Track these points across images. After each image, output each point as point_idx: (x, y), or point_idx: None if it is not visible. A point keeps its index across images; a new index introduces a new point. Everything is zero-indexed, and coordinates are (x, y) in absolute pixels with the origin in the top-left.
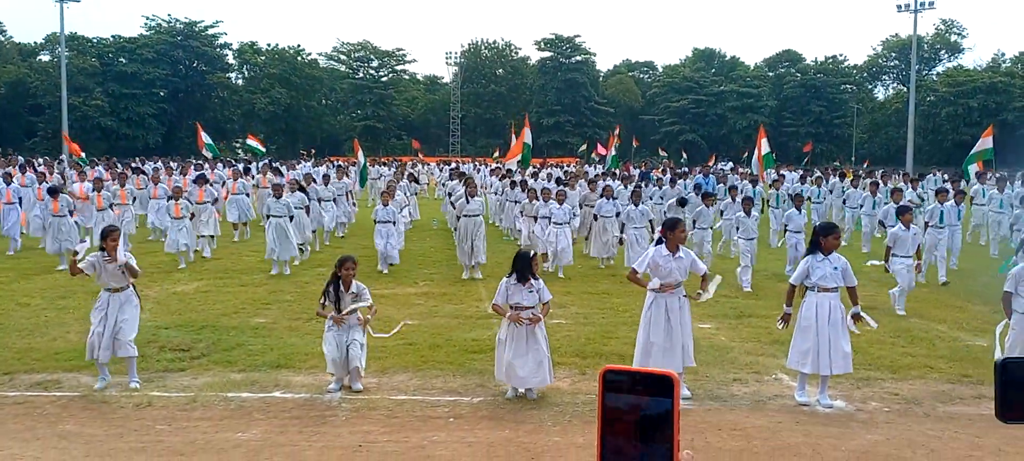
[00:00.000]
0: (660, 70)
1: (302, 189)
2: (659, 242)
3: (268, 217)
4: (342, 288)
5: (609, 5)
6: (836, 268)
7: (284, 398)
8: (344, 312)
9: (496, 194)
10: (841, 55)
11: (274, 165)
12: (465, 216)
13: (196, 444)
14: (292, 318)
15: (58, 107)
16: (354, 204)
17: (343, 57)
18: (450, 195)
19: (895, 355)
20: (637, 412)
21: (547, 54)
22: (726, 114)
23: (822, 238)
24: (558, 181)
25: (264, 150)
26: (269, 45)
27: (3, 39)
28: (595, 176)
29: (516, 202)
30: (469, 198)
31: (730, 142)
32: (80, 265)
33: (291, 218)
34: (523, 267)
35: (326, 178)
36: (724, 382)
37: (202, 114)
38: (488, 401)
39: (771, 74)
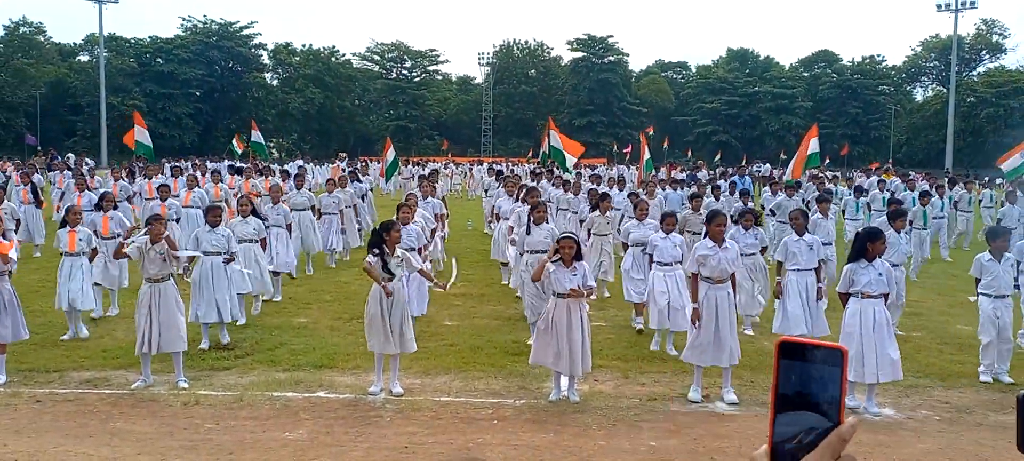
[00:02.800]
0: (693, 70)
1: (255, 213)
2: (704, 234)
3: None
4: (387, 253)
5: (642, 5)
6: (880, 274)
7: (329, 398)
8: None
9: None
10: (879, 56)
11: (235, 165)
12: (529, 252)
13: (244, 443)
14: (333, 318)
15: (97, 107)
16: (370, 218)
17: (376, 57)
18: (491, 195)
19: (944, 363)
20: (809, 378)
21: (579, 54)
22: (760, 115)
23: (869, 244)
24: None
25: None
26: (304, 46)
27: (43, 40)
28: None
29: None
30: (533, 225)
31: (763, 144)
32: (126, 248)
33: (229, 259)
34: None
35: (331, 184)
36: (768, 387)
37: (237, 114)
38: (531, 404)
39: (806, 75)
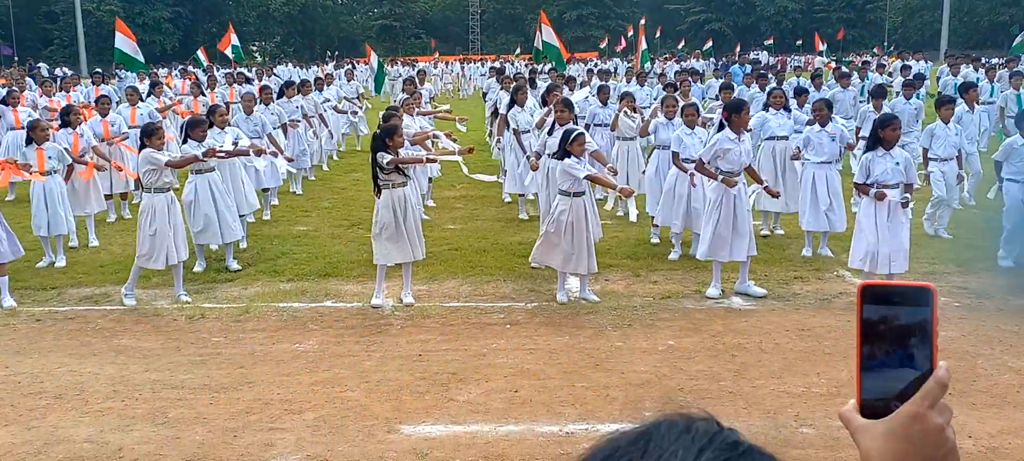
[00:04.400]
0: None
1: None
2: (721, 127)
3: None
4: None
5: None
6: (898, 163)
7: (336, 307)
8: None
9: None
10: None
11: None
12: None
13: (255, 355)
14: (333, 225)
15: (73, 14)
16: (356, 114)
17: None
18: (496, 103)
19: (958, 248)
20: (895, 324)
21: None
22: (754, 1)
23: (881, 130)
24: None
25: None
26: None
27: None
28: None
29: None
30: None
31: (759, 30)
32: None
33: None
34: (571, 144)
35: (290, 87)
36: (785, 280)
37: (218, 17)
38: (543, 307)
39: None
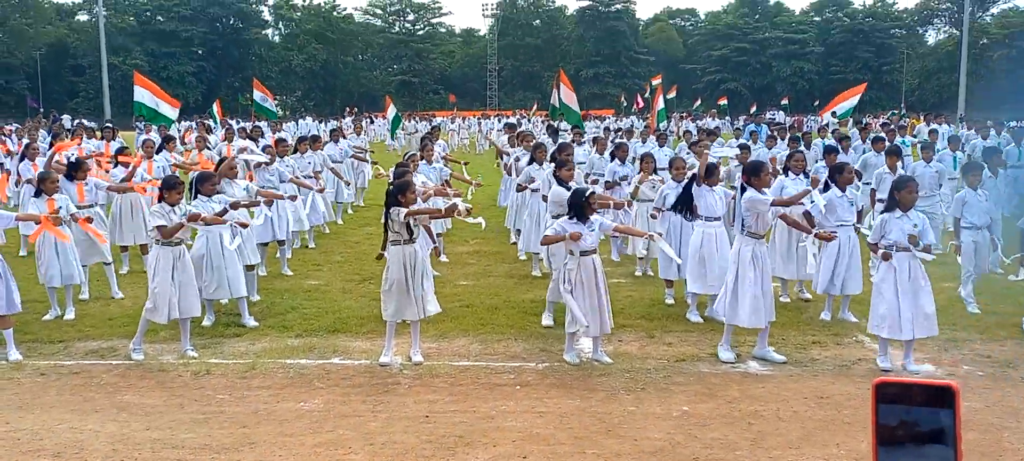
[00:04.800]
0: (702, 17)
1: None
2: (743, 189)
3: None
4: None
5: None
6: (916, 225)
7: (344, 364)
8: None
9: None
10: None
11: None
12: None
13: (259, 414)
14: (345, 279)
15: (98, 68)
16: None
17: (379, 11)
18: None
19: (981, 313)
20: (915, 429)
21: (586, 3)
22: (771, 62)
23: (897, 192)
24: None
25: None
26: (304, 1)
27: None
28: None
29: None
30: (561, 185)
31: (774, 91)
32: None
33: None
34: (581, 204)
35: (303, 142)
36: (803, 345)
37: (240, 72)
38: (554, 367)
39: (817, 19)
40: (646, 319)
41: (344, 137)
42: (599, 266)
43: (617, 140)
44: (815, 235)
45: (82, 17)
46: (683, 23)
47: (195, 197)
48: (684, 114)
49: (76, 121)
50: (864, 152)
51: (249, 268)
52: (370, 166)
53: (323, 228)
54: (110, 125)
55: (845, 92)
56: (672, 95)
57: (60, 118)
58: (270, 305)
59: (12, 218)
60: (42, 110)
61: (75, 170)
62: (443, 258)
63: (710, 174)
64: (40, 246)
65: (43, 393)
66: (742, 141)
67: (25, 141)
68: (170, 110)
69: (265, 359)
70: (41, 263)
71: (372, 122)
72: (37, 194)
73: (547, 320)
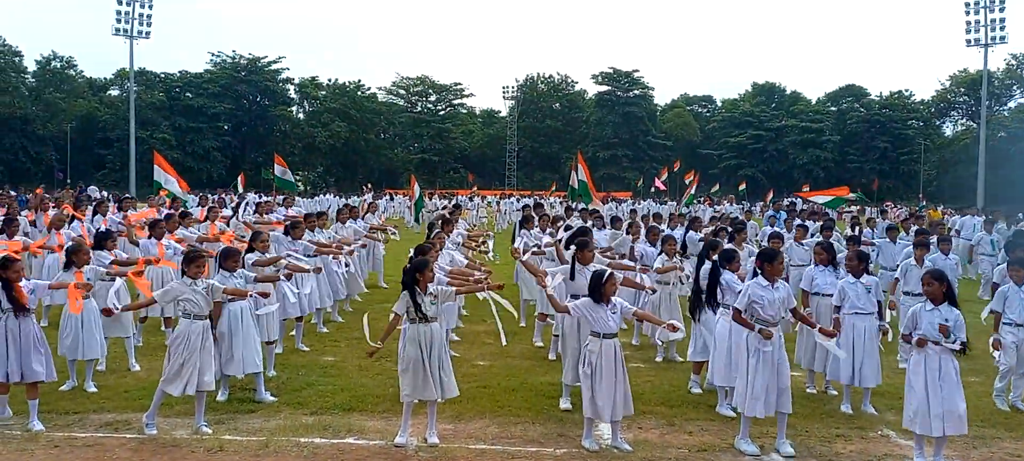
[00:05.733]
0: (719, 104)
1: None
2: (754, 274)
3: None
4: (420, 294)
5: (668, 39)
6: (948, 319)
7: (357, 444)
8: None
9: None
10: (907, 90)
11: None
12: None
13: None
14: (361, 357)
15: (126, 141)
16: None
17: (402, 91)
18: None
19: (1009, 411)
20: None
21: (604, 88)
22: (787, 149)
23: (926, 287)
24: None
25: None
26: (330, 80)
27: (74, 74)
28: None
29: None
30: (580, 266)
31: (791, 178)
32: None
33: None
34: (599, 287)
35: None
36: (827, 438)
37: (264, 147)
38: (573, 453)
39: (834, 109)
40: (666, 406)
41: (353, 219)
42: (619, 350)
43: (651, 224)
44: (819, 330)
45: (114, 92)
46: (700, 110)
47: (218, 271)
48: (704, 199)
49: (102, 193)
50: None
51: (268, 343)
52: (382, 245)
53: (346, 305)
54: (130, 196)
55: (832, 189)
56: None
57: (86, 189)
58: (286, 381)
59: (46, 287)
60: (69, 181)
61: (104, 239)
62: (454, 337)
63: (731, 260)
64: (66, 318)
65: None
66: (776, 229)
67: (53, 211)
68: (179, 191)
69: (279, 437)
70: (66, 335)
71: (392, 199)
72: (66, 266)
73: (565, 404)
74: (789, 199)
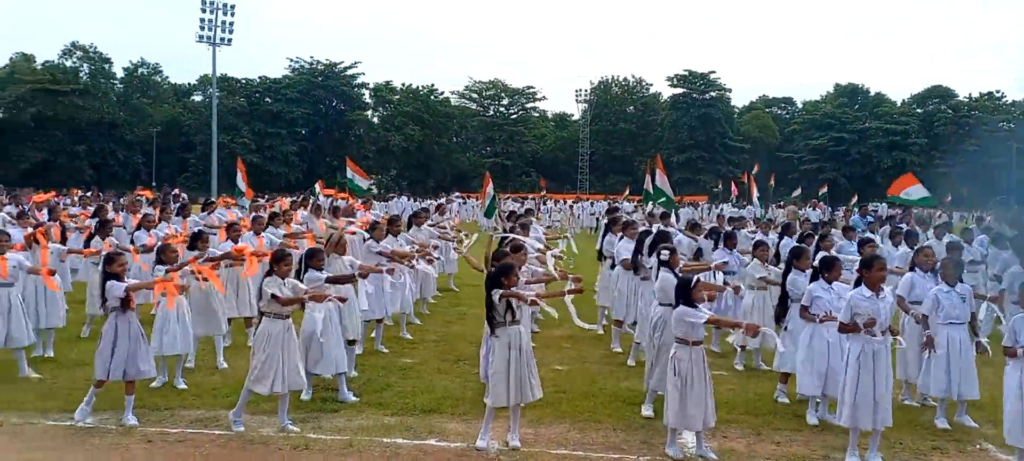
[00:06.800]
0: (799, 106)
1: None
2: (856, 283)
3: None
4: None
5: (746, 40)
6: None
7: (439, 446)
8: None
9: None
10: (998, 92)
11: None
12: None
13: None
14: (440, 359)
15: (208, 145)
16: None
17: (474, 95)
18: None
19: None
20: None
21: (680, 90)
22: (871, 152)
23: None
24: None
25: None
26: (404, 84)
27: (160, 81)
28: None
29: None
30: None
31: (875, 182)
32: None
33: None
34: (688, 294)
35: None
36: (922, 451)
37: (340, 151)
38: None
39: (920, 111)
40: (751, 415)
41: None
42: (706, 358)
43: (728, 228)
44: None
45: (197, 97)
46: (779, 112)
47: (306, 271)
48: (780, 203)
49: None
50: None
51: (349, 343)
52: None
53: (423, 307)
54: (211, 202)
55: (901, 180)
56: (770, 184)
57: (172, 191)
58: (366, 382)
59: (145, 285)
60: (154, 183)
61: (197, 240)
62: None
63: (830, 268)
64: (162, 317)
65: (150, 459)
66: (866, 235)
67: (144, 212)
68: (243, 191)
69: (362, 437)
70: (163, 332)
71: (464, 203)
72: (158, 264)
73: (647, 411)
74: (873, 205)
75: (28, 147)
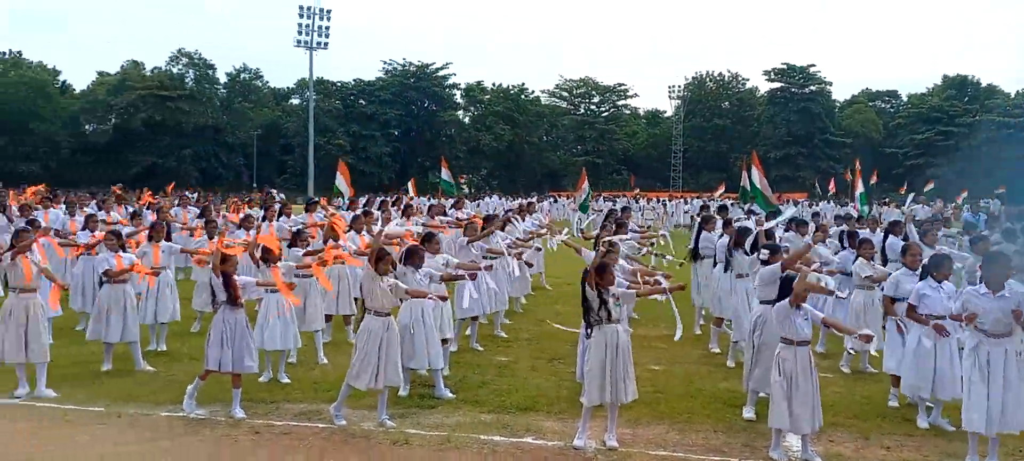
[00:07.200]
0: (904, 99)
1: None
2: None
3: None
4: (606, 292)
5: (847, 32)
6: None
7: (536, 444)
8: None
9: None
10: None
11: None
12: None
13: None
14: (534, 358)
15: (306, 147)
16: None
17: (565, 93)
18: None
19: None
20: None
21: (777, 85)
22: (982, 147)
23: None
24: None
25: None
26: (494, 84)
27: (260, 85)
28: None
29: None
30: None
31: (985, 177)
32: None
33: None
34: (790, 290)
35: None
36: None
37: (431, 151)
38: None
39: None
40: (859, 418)
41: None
42: (812, 359)
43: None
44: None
45: (295, 101)
46: (883, 105)
47: (405, 265)
48: (885, 200)
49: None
50: None
51: (444, 341)
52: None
53: (516, 307)
54: (314, 201)
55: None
56: (873, 181)
57: (271, 191)
58: (462, 379)
59: (254, 283)
60: (255, 184)
61: (298, 237)
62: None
63: (939, 267)
64: (265, 313)
65: (256, 450)
66: (982, 232)
67: (245, 212)
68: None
69: (459, 433)
70: (265, 328)
71: (555, 202)
72: (264, 259)
73: (749, 414)
74: (983, 201)
75: (139, 151)
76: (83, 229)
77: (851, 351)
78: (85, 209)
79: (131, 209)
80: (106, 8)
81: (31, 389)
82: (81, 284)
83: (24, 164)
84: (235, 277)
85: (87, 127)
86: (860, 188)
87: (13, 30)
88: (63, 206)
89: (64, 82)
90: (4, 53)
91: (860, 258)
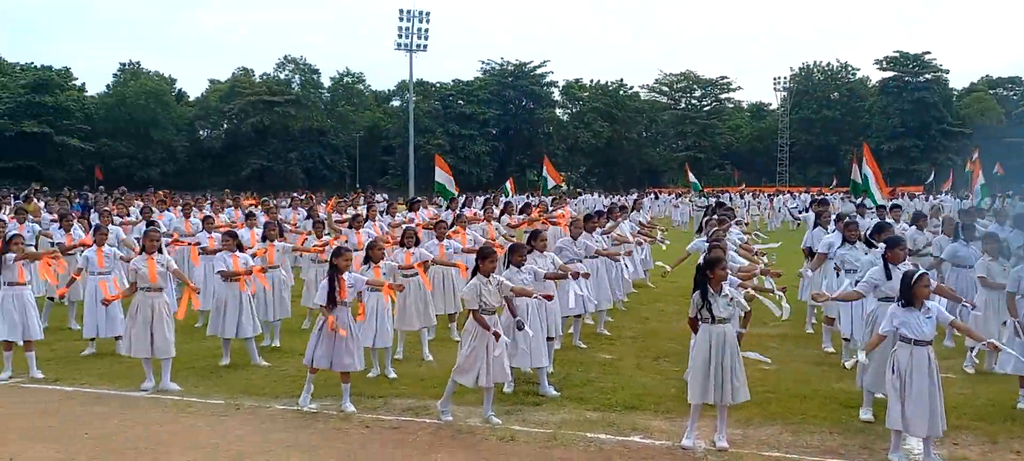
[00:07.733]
0: None
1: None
2: None
3: None
4: (712, 293)
5: (964, 16)
6: None
7: (644, 443)
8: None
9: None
10: None
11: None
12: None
13: None
14: (638, 355)
15: (406, 147)
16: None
17: (665, 88)
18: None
19: None
20: None
21: (890, 74)
22: None
23: None
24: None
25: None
26: (593, 81)
27: (363, 88)
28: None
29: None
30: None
31: None
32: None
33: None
34: (909, 289)
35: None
36: None
37: (529, 150)
38: None
39: None
40: (985, 421)
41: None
42: (933, 359)
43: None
44: None
45: (395, 102)
46: (1005, 92)
47: (507, 267)
48: (1008, 193)
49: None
50: None
51: (549, 339)
52: (657, 240)
53: (618, 305)
54: (418, 200)
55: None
56: (995, 171)
57: (372, 193)
58: (566, 376)
59: (364, 282)
60: (358, 185)
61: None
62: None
63: None
64: (368, 312)
65: (367, 445)
66: None
67: (351, 212)
68: (452, 190)
69: (565, 431)
70: (368, 328)
71: (656, 198)
72: (366, 261)
73: (866, 415)
74: None
75: (249, 155)
76: (200, 230)
77: (976, 359)
78: (202, 212)
79: (245, 212)
80: (217, 16)
81: (156, 382)
82: (201, 283)
83: (145, 170)
84: (345, 274)
85: (202, 133)
86: (981, 180)
87: (130, 41)
88: (180, 209)
89: (180, 90)
90: (124, 64)
91: (986, 254)
